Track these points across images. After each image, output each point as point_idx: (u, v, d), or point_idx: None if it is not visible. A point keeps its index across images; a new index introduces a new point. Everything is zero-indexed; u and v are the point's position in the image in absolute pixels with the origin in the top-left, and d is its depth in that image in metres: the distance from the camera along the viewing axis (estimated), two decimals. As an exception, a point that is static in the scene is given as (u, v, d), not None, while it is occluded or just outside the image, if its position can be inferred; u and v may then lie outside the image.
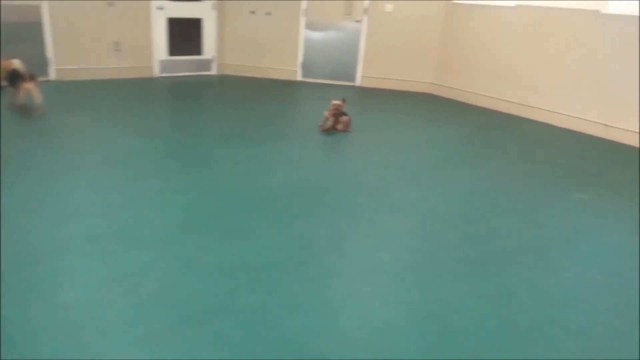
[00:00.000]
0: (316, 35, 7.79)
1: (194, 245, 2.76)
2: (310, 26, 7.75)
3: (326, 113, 5.14)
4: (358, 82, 7.91)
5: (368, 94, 7.41)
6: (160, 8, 7.17)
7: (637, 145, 5.42)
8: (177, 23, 7.41)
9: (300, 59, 7.90)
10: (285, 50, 7.89)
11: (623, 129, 5.57)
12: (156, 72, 7.46)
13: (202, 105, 6.02)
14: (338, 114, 5.11)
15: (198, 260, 2.61)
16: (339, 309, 2.31)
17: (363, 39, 7.67)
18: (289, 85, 7.58)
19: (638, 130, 5.43)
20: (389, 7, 7.42)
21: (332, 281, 2.53)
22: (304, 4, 7.61)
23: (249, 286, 2.42)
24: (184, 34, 7.57)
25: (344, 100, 5.16)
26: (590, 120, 5.85)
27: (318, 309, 2.30)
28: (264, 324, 2.15)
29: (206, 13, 7.62)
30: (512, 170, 4.40)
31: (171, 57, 7.54)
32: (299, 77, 8.01)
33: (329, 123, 5.13)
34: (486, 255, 2.90)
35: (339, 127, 5.17)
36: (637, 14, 5.28)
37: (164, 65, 7.51)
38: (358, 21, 7.60)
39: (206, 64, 7.93)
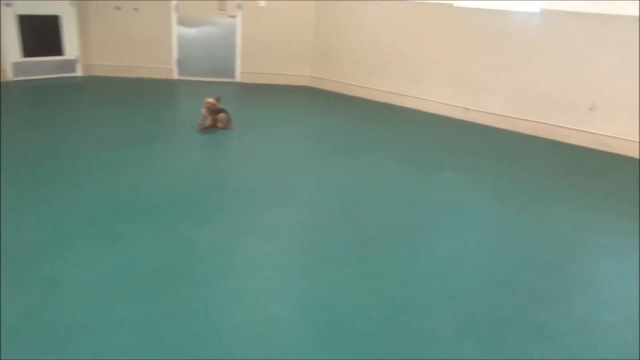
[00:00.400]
0: (190, 31, 7.55)
1: (63, 263, 2.54)
2: (182, 22, 7.48)
3: (204, 111, 5.03)
4: (238, 78, 7.83)
5: (248, 89, 7.37)
6: (8, 5, 6.43)
7: (492, 125, 6.07)
8: (30, 21, 6.70)
9: (175, 56, 7.61)
10: (158, 47, 7.54)
11: (480, 111, 6.20)
12: (9, 75, 6.69)
13: (66, 110, 5.53)
14: (214, 111, 5.02)
15: (69, 277, 2.41)
16: (226, 308, 2.29)
17: (239, 35, 7.60)
18: (165, 84, 7.26)
19: (492, 112, 6.08)
20: (262, 2, 7.43)
21: (218, 281, 2.50)
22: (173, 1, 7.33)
23: (127, 298, 2.30)
24: (40, 33, 6.87)
25: (218, 99, 5.07)
26: (453, 105, 6.43)
27: (204, 311, 2.25)
28: (146, 335, 2.06)
29: (64, 10, 6.99)
30: (387, 156, 4.67)
31: (26, 59, 6.80)
32: (175, 75, 7.70)
33: (208, 122, 5.02)
34: (367, 238, 3.06)
35: (219, 124, 5.08)
36: (484, 7, 5.90)
37: (19, 67, 6.76)
38: (232, 16, 7.51)
39: (69, 65, 7.29)
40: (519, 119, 5.90)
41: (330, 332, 2.17)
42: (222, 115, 5.07)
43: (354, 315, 2.30)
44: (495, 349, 2.13)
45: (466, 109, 6.32)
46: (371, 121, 6.02)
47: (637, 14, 4.92)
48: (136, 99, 6.20)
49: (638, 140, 5.14)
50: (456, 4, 6.13)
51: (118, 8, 7.27)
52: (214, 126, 5.06)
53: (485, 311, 2.40)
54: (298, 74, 7.88)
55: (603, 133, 5.36)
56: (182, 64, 7.67)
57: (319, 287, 2.52)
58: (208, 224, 3.09)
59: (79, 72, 7.38)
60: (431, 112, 6.61)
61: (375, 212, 3.45)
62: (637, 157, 5.14)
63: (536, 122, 5.78)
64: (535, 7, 5.56)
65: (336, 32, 7.39)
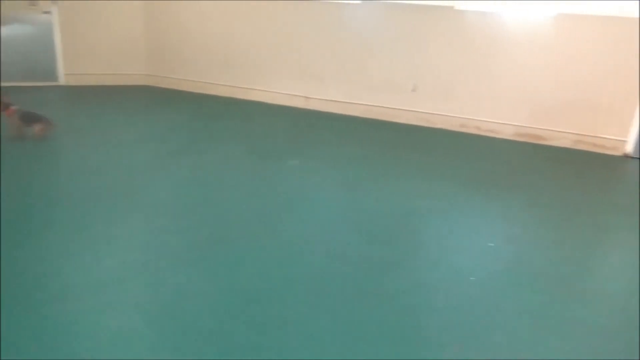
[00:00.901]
0: (-5, 30, 6.57)
1: None
2: (-17, 20, 6.47)
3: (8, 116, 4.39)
4: (62, 80, 7.05)
5: (76, 92, 6.70)
6: None
7: (332, 111, 6.40)
8: None
9: (-21, 59, 6.56)
10: (-47, 50, 6.43)
11: (320, 99, 6.49)
12: None
13: None
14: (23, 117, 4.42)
15: None
16: (65, 334, 2.07)
17: (58, 32, 6.83)
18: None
19: (331, 98, 6.41)
20: (80, -5, 6.77)
21: (54, 306, 2.24)
22: (-33, -6, 6.29)
23: None
24: None
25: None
26: (295, 94, 6.62)
27: (41, 340, 2.01)
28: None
29: None
30: (233, 151, 4.64)
31: None
32: (-18, 81, 6.66)
33: (14, 130, 4.42)
34: (216, 235, 3.01)
35: (37, 132, 4.48)
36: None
37: None
38: (47, 12, 6.71)
39: None
40: (355, 103, 6.31)
41: (180, 338, 2.10)
42: (36, 125, 4.47)
43: (201, 316, 2.25)
44: (348, 320, 2.26)
45: (307, 97, 6.56)
46: (215, 117, 5.91)
47: (448, 4, 5.58)
48: None
49: (456, 115, 5.86)
50: (287, -4, 6.30)
51: None
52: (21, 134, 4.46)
53: (335, 287, 2.53)
54: (132, 72, 7.38)
55: (425, 111, 6.00)
56: (-11, 68, 6.65)
57: (165, 294, 2.41)
58: (38, 245, 2.75)
59: None
60: (275, 103, 6.72)
61: (224, 208, 3.41)
62: (457, 129, 5.87)
63: (370, 105, 6.23)
64: (357, -1, 5.97)
65: (171, 26, 7.07)
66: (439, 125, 5.95)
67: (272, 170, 4.19)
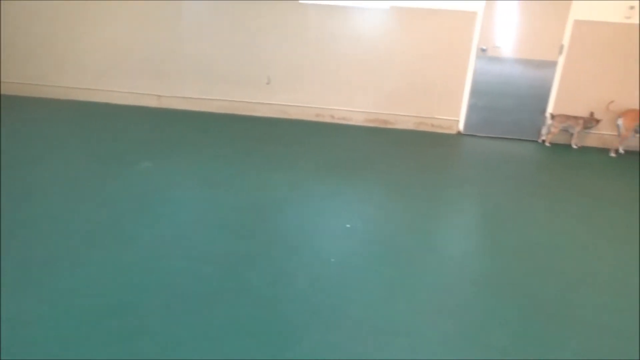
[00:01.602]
0: None
1: None
2: None
3: None
4: None
5: None
6: None
7: (187, 109, 6.17)
8: None
9: None
10: None
11: (173, 97, 6.20)
12: None
13: None
14: None
15: None
16: None
17: None
18: None
19: (185, 96, 6.17)
20: None
21: None
22: None
23: None
24: None
25: None
26: (145, 93, 6.23)
27: None
28: None
29: None
30: (77, 158, 4.22)
31: None
32: None
33: None
34: (60, 252, 2.70)
35: None
36: (153, -8, 5.83)
37: None
38: None
39: None
40: (210, 99, 6.16)
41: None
42: None
43: (44, 341, 2.01)
44: (211, 320, 2.19)
45: (159, 96, 6.23)
46: (51, 121, 5.31)
47: (286, -3, 5.68)
48: None
49: (311, 106, 6.04)
50: (124, -12, 5.87)
51: None
52: None
53: (197, 288, 2.44)
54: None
55: (281, 103, 6.08)
56: None
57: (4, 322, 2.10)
58: None
59: None
60: (124, 103, 6.26)
61: (68, 221, 3.08)
62: (313, 119, 6.05)
63: (225, 100, 6.13)
64: (201, -9, 5.79)
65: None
66: (295, 116, 6.08)
67: (123, 175, 3.90)
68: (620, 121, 5.48)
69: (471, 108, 5.87)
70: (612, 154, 5.55)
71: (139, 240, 2.90)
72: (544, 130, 5.83)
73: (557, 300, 2.54)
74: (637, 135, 5.56)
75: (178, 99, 6.20)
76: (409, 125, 5.99)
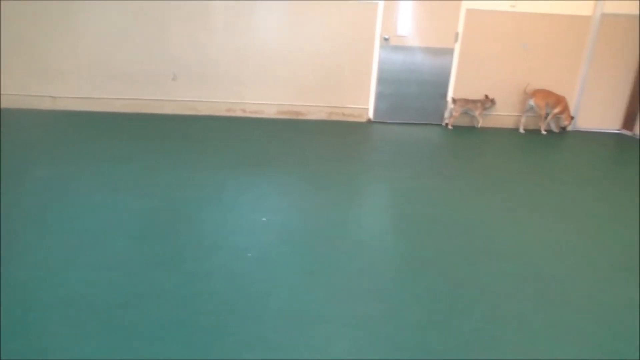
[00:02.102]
0: None
1: None
2: None
3: None
4: None
5: None
6: None
7: (86, 109, 5.77)
8: None
9: None
10: None
11: (69, 98, 5.77)
12: None
13: None
14: None
15: None
16: None
17: None
18: None
19: (83, 96, 5.76)
20: None
21: None
22: None
23: None
24: None
25: None
26: (37, 95, 5.74)
27: None
28: None
29: None
30: (-43, 169, 3.79)
31: None
32: None
33: None
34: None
35: None
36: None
37: None
38: None
39: None
40: (113, 98, 5.81)
41: None
42: None
43: None
44: (121, 328, 2.07)
45: (53, 97, 5.76)
46: None
47: (186, -11, 5.48)
48: None
49: (221, 100, 5.90)
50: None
51: None
52: None
53: (105, 297, 2.29)
54: None
55: (190, 99, 5.89)
56: None
57: None
58: None
59: None
60: (13, 107, 5.72)
61: (-51, 241, 2.75)
62: (224, 114, 5.92)
63: (130, 99, 5.82)
64: (93, -16, 5.42)
65: None
66: (205, 112, 5.92)
67: (18, 184, 3.56)
68: (532, 102, 5.93)
69: (379, 96, 6.06)
70: (543, 132, 6.03)
71: (33, 256, 2.67)
72: (446, 114, 6.18)
73: (464, 272, 2.70)
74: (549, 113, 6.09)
75: (75, 100, 5.78)
76: (321, 116, 6.07)
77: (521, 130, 6.09)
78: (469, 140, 5.64)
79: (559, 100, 5.94)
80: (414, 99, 6.10)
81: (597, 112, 6.30)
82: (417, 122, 6.19)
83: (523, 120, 6.09)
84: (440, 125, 6.19)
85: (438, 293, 2.49)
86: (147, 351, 1.96)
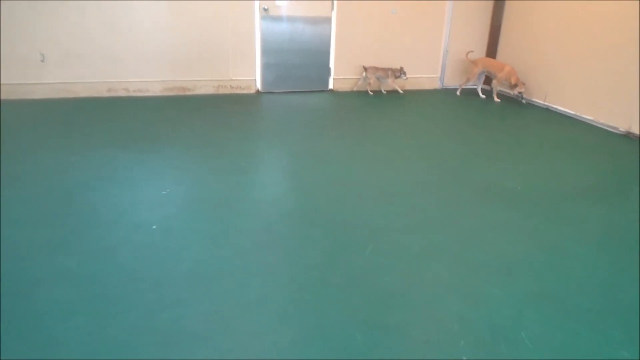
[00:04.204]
0: None
1: None
2: None
3: None
4: None
5: None
6: None
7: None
8: None
9: None
10: None
11: None
12: None
13: None
14: None
15: None
16: None
17: None
18: None
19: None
20: None
21: None
22: None
23: None
24: None
25: None
26: None
27: None
28: None
29: None
30: None
31: None
32: None
33: None
34: None
35: None
36: None
37: None
38: None
39: None
40: (-28, 86, 5.26)
41: None
42: None
43: None
44: (28, 310, 2.05)
45: None
46: None
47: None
48: None
49: (101, 80, 5.61)
50: None
51: None
52: None
53: (5, 282, 2.23)
54: None
55: (64, 81, 5.52)
56: None
57: None
58: None
59: None
60: None
61: None
62: (105, 95, 5.65)
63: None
64: None
65: None
66: (84, 94, 5.61)
67: None
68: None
69: (265, 67, 6.19)
70: (497, 99, 6.42)
71: None
72: (359, 82, 6.49)
73: (354, 217, 3.02)
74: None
75: None
76: (209, 90, 6.05)
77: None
78: (354, 103, 6.01)
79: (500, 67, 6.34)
80: (299, 67, 6.32)
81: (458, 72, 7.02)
82: (304, 90, 6.43)
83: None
84: (324, 91, 6.49)
85: (331, 236, 2.77)
86: (60, 328, 1.99)
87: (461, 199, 3.34)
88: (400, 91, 6.64)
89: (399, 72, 6.47)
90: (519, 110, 5.95)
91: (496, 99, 6.38)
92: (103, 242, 2.64)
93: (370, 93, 6.52)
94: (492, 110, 5.98)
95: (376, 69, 6.40)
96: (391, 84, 6.54)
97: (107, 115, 5.00)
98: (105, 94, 5.68)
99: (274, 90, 6.32)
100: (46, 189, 3.25)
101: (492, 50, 6.89)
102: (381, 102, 6.11)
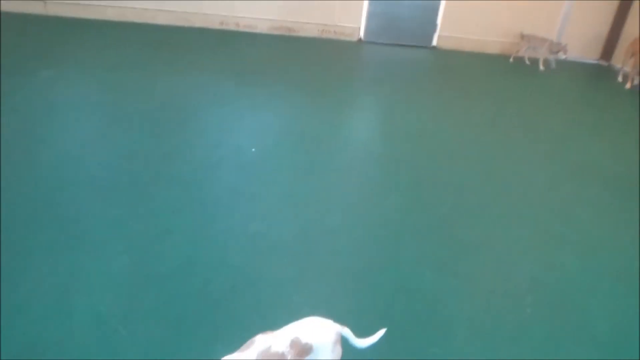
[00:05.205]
0: None
1: None
2: None
3: None
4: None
5: None
6: None
7: (77, 16, 5.76)
8: None
9: None
10: None
11: (60, 3, 5.73)
12: None
13: None
14: None
15: None
16: None
17: None
18: None
19: (73, 1, 5.73)
20: None
21: None
22: None
23: None
24: None
25: None
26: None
27: None
28: None
29: None
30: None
31: None
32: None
33: None
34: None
35: None
36: None
37: None
38: None
39: None
40: (104, 6, 5.78)
41: None
42: None
43: None
44: (139, 202, 2.40)
45: (44, 2, 5.72)
46: None
47: None
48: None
49: (215, 13, 5.93)
50: None
51: None
52: None
53: (120, 185, 2.60)
54: None
55: (183, 10, 5.90)
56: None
57: None
58: None
59: None
60: (4, 10, 5.68)
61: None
62: (217, 27, 5.98)
63: (122, 7, 5.80)
64: None
65: None
66: (199, 24, 5.97)
67: (23, 84, 3.73)
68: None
69: (370, 15, 6.16)
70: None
71: (54, 143, 2.93)
72: (435, 38, 6.34)
73: (441, 171, 3.08)
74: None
75: (66, 6, 5.74)
76: (313, 33, 6.17)
77: (511, 60, 6.27)
78: (457, 63, 5.86)
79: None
80: (405, 20, 6.22)
81: (578, 44, 6.50)
82: (407, 44, 6.34)
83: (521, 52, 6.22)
84: (428, 47, 6.36)
85: (416, 185, 2.87)
86: (168, 220, 2.31)
87: (556, 174, 3.27)
88: (542, 67, 5.97)
89: (559, 48, 5.80)
90: None
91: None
92: (209, 157, 2.95)
93: (527, 62, 6.10)
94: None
95: (534, 37, 5.94)
96: (545, 56, 5.96)
97: (219, 46, 5.32)
98: (218, 26, 5.99)
99: (376, 41, 6.30)
100: (162, 105, 3.62)
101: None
102: (497, 70, 5.90)
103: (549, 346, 1.79)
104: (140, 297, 1.82)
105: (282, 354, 1.29)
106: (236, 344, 1.31)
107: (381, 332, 1.51)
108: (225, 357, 1.23)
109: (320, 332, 1.37)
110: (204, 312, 1.78)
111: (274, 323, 1.43)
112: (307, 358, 1.36)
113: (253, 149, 3.07)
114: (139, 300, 1.81)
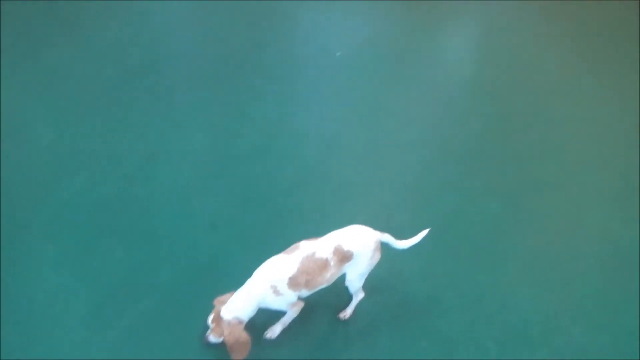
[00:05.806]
0: None
1: None
2: None
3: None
4: None
5: None
6: None
7: None
8: None
9: None
10: None
11: None
12: None
13: None
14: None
15: None
16: None
17: None
18: None
19: None
20: None
21: None
22: None
23: None
24: None
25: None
26: None
27: None
28: None
29: None
30: None
31: None
32: None
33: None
34: None
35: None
36: None
37: None
38: None
39: None
40: None
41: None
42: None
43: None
44: (234, 90, 2.49)
45: None
46: None
47: None
48: None
49: None
50: None
51: None
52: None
53: (216, 63, 2.69)
54: None
55: None
56: None
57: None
58: None
59: None
60: None
61: None
62: None
63: None
64: None
65: None
66: None
67: None
68: None
69: None
70: None
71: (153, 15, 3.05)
72: None
73: (528, 101, 2.82)
74: None
75: None
76: None
77: None
78: None
79: None
80: None
81: None
82: None
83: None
84: None
85: (500, 114, 2.68)
86: (248, 106, 2.40)
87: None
88: None
89: None
90: None
91: None
92: (296, 54, 2.94)
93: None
94: None
95: None
96: None
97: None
98: None
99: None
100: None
101: None
102: None
103: (602, 299, 1.74)
104: (215, 173, 1.99)
105: (326, 260, 1.43)
106: (291, 231, 1.42)
107: (424, 233, 1.56)
108: (273, 257, 1.37)
109: (361, 240, 1.49)
110: (269, 198, 1.91)
111: (329, 223, 1.51)
112: (347, 264, 1.46)
113: (338, 53, 3.01)
114: (213, 176, 1.97)
